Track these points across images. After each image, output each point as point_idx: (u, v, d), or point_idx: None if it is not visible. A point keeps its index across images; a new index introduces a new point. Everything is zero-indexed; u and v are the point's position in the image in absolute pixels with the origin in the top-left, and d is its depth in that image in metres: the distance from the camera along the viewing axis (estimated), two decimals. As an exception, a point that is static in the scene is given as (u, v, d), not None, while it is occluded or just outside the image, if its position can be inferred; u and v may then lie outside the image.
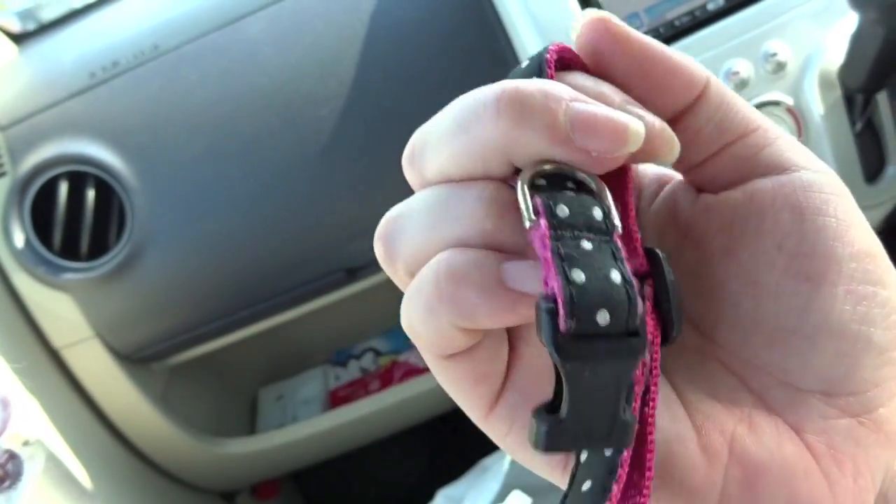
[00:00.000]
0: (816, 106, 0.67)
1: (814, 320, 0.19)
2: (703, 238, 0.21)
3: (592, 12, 0.20)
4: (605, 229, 0.17)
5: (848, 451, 0.19)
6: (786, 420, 0.20)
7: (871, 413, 0.20)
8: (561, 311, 0.16)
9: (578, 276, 0.16)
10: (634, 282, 0.17)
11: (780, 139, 0.21)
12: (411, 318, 0.19)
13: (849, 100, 0.68)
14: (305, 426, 0.93)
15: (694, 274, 0.21)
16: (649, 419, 0.19)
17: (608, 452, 0.18)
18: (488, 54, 0.74)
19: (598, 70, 0.20)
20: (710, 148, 0.21)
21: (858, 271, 0.20)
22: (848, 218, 0.20)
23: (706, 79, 0.21)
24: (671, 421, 0.20)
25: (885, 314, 0.20)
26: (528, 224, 0.17)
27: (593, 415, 0.17)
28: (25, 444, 0.66)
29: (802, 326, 0.20)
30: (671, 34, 0.66)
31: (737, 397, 0.20)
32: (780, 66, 0.66)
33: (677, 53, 0.21)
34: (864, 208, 0.73)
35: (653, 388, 0.19)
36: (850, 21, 0.64)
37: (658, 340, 0.19)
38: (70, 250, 0.77)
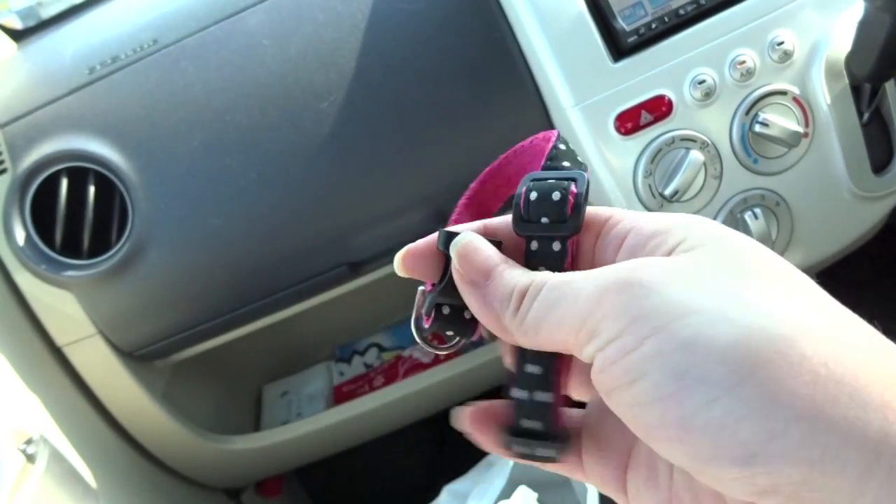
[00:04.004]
0: (823, 95, 0.66)
1: None
2: None
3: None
4: None
5: None
6: None
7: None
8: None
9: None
10: None
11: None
12: None
13: (856, 89, 0.67)
14: (310, 422, 0.93)
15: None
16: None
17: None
18: (489, 43, 0.73)
19: None
20: None
21: None
22: None
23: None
24: None
25: None
26: None
27: None
28: (28, 441, 0.65)
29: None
30: (676, 23, 0.66)
31: None
32: (787, 55, 0.65)
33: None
34: (872, 199, 0.72)
35: None
36: (857, 9, 0.63)
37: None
38: (72, 247, 0.77)
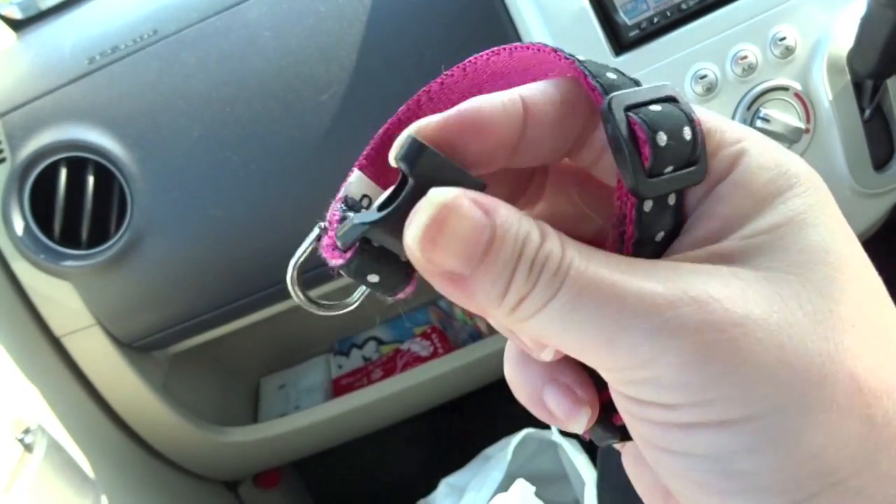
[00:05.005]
0: (825, 92, 0.66)
1: None
2: None
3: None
4: None
5: None
6: None
7: None
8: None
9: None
10: None
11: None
12: None
13: (858, 86, 0.67)
14: (308, 415, 0.93)
15: None
16: None
17: None
18: (491, 37, 0.73)
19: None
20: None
21: None
22: None
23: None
24: None
25: None
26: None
27: None
28: (27, 431, 0.65)
29: None
30: (678, 18, 0.65)
31: None
32: (789, 51, 0.65)
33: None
34: (873, 196, 0.72)
35: None
36: (860, 5, 0.63)
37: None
38: (70, 238, 0.77)
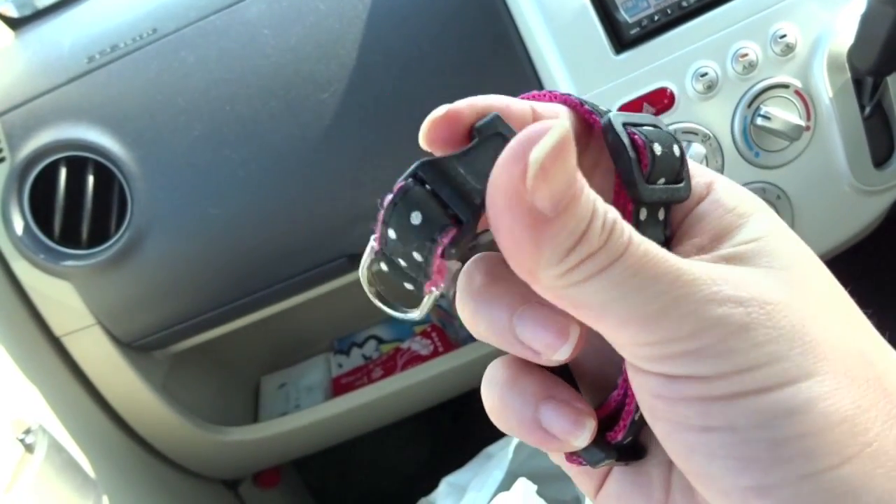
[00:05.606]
0: (825, 89, 0.66)
1: None
2: None
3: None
4: None
5: None
6: None
7: None
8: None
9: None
10: None
11: None
12: None
13: (858, 83, 0.67)
14: (308, 414, 0.93)
15: None
16: None
17: None
18: (491, 36, 0.73)
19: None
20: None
21: None
22: None
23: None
24: None
25: None
26: None
27: None
28: (27, 431, 0.65)
29: None
30: (679, 15, 0.65)
31: None
32: (789, 48, 0.65)
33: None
34: (872, 193, 0.72)
35: None
36: (860, 2, 0.63)
37: None
38: (70, 237, 0.77)
